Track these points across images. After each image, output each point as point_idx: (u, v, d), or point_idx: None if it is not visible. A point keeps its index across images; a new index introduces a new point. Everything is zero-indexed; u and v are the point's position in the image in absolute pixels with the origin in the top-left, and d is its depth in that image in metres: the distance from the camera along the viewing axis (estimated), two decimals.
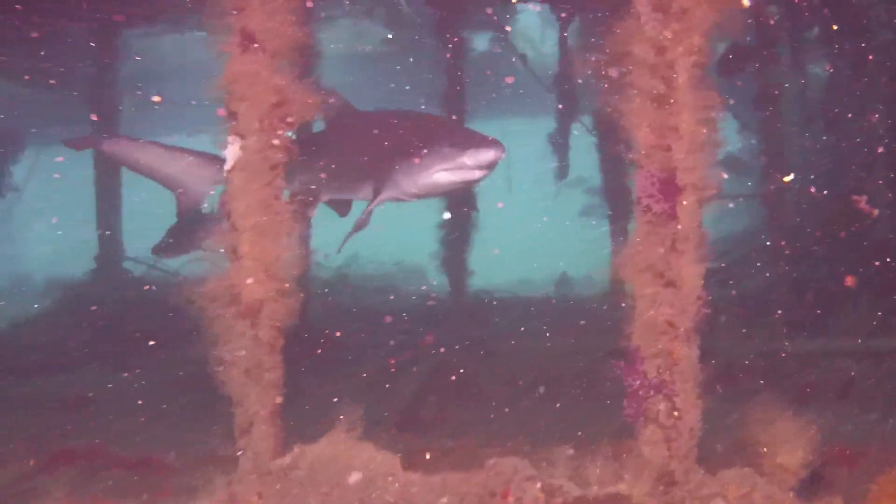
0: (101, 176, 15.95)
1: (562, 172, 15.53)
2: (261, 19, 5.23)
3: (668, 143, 4.99)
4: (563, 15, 14.79)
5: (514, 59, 17.45)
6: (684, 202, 5.00)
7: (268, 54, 5.22)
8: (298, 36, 5.36)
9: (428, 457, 5.78)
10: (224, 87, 5.29)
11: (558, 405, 8.35)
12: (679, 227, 5.02)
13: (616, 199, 12.02)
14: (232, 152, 5.30)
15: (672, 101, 4.99)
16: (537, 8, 18.97)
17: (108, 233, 15.98)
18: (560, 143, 15.20)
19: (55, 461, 6.88)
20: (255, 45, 5.21)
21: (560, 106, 14.74)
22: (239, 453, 5.34)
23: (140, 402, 8.61)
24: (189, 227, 15.95)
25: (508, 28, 19.44)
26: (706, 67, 5.05)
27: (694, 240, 5.06)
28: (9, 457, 6.71)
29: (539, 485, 5.17)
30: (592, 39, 13.55)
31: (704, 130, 5.03)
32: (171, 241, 15.37)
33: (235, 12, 5.24)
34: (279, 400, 5.40)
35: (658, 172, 5.01)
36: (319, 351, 9.58)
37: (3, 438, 6.87)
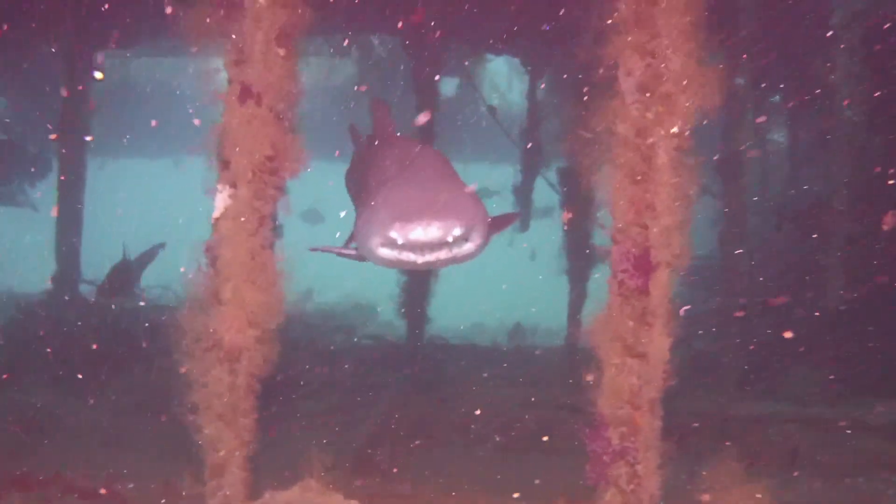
0: (64, 196, 15.89)
1: (523, 225, 15.74)
2: (260, 73, 5.39)
3: (644, 221, 5.20)
4: (532, 70, 15.05)
5: (482, 108, 17.66)
6: (657, 278, 5.22)
7: (265, 107, 5.37)
8: (294, 90, 5.54)
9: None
10: (219, 135, 5.43)
11: (513, 456, 8.49)
12: (650, 301, 5.22)
13: (575, 258, 12.24)
14: (221, 200, 5.43)
15: (651, 180, 5.20)
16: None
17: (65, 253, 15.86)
18: (523, 196, 15.41)
19: (9, 488, 6.90)
20: (253, 99, 5.35)
21: (525, 158, 14.96)
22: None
23: (101, 431, 8.63)
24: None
25: (473, 77, 19.64)
26: (685, 149, 5.28)
27: (664, 313, 5.27)
28: None
29: None
30: (562, 97, 13.82)
31: (680, 210, 5.26)
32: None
33: (236, 66, 5.39)
34: (252, 445, 5.51)
35: (633, 248, 5.22)
36: (285, 395, 9.64)
37: None
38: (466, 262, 6.04)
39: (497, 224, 6.76)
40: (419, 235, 5.48)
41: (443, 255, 5.67)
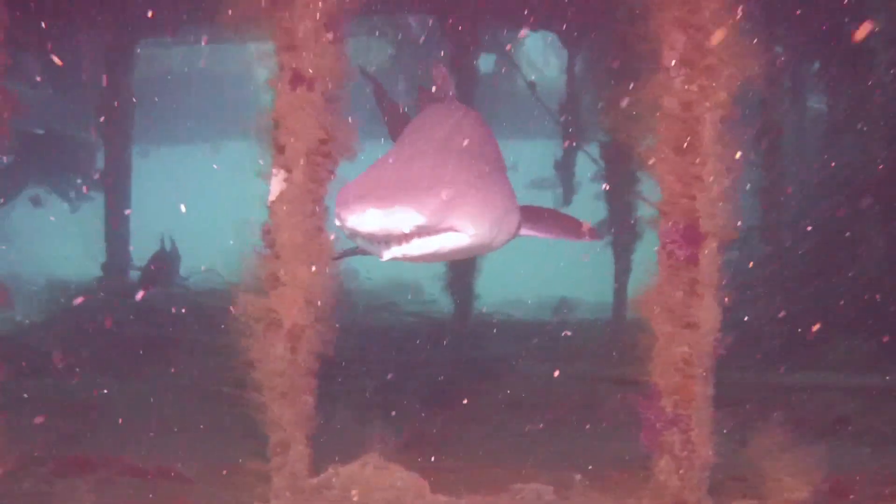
0: (111, 184, 16.15)
1: (566, 199, 15.79)
2: (311, 59, 5.51)
3: (692, 192, 5.29)
4: (571, 44, 15.03)
5: (521, 84, 17.68)
6: (705, 249, 5.31)
7: (316, 92, 5.50)
8: (344, 73, 5.67)
9: (453, 480, 6.03)
10: (273, 121, 5.57)
11: (562, 429, 8.59)
12: (700, 271, 5.32)
13: (620, 229, 12.30)
14: (277, 184, 5.57)
15: (697, 151, 5.29)
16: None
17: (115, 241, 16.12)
18: (564, 170, 15.46)
19: (72, 467, 7.08)
20: (305, 84, 5.48)
21: (566, 133, 14.98)
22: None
23: (162, 413, 8.82)
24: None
25: (510, 49, 19.64)
26: (730, 120, 5.36)
27: (713, 283, 5.36)
28: (28, 462, 6.89)
29: None
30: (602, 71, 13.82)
31: (727, 180, 5.34)
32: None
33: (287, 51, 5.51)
34: (314, 422, 5.68)
35: (682, 220, 5.31)
36: (339, 373, 9.79)
37: (20, 443, 7.03)
38: (473, 255, 5.78)
39: (550, 223, 6.25)
40: (357, 224, 4.65)
41: (413, 248, 4.81)
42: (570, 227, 6.45)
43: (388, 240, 4.77)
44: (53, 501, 6.30)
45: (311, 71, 5.48)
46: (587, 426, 8.51)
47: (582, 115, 15.06)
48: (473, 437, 8.23)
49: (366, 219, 4.60)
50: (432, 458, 6.83)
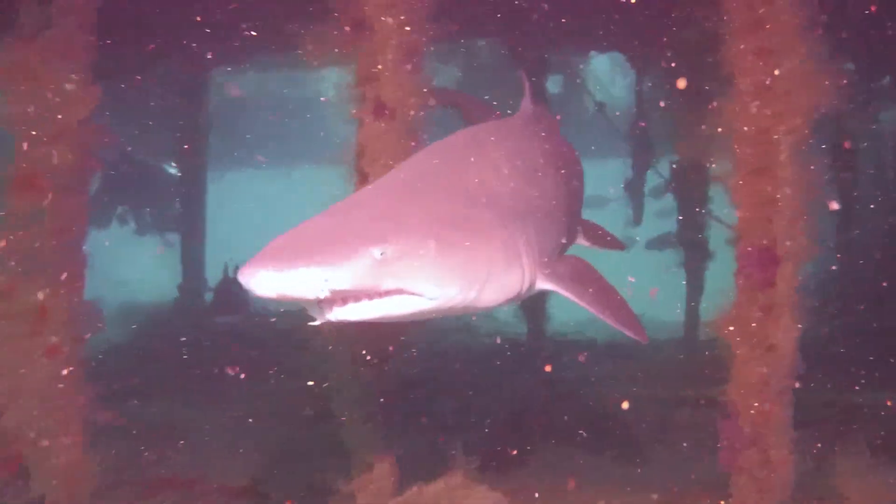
0: (187, 208, 16.54)
1: (636, 218, 15.77)
2: (393, 89, 5.70)
3: (768, 215, 5.36)
4: (640, 66, 15.06)
5: (588, 105, 17.76)
6: (783, 271, 5.37)
7: (398, 121, 5.68)
8: (423, 102, 5.84)
9: (537, 496, 6.14)
10: (357, 149, 5.75)
11: (638, 450, 8.62)
12: (777, 292, 5.38)
13: (692, 249, 12.30)
14: None
15: (773, 174, 5.36)
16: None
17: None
18: (634, 190, 15.47)
19: (157, 489, 7.30)
20: (387, 113, 5.66)
21: (636, 152, 15.01)
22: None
23: (241, 435, 9.03)
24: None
25: (581, 73, 19.73)
26: (805, 144, 5.43)
27: (791, 305, 5.42)
28: (115, 484, 7.11)
29: None
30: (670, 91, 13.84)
31: (803, 202, 5.41)
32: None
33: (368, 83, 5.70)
34: (396, 442, 5.83)
35: (759, 242, 5.38)
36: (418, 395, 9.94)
37: (107, 464, 7.26)
38: (455, 314, 4.66)
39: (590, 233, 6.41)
40: (252, 286, 3.91)
41: (354, 312, 4.11)
42: (604, 237, 6.71)
43: (325, 302, 4.04)
44: None
45: (392, 100, 5.65)
46: (663, 446, 8.53)
47: (651, 134, 15.08)
48: (551, 456, 8.31)
49: (259, 281, 3.85)
50: (513, 478, 6.93)
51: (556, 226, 5.68)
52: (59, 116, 6.22)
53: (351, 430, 5.90)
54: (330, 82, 6.38)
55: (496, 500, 5.63)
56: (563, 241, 5.94)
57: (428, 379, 10.99)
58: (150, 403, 10.46)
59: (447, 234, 4.41)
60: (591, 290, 5.19)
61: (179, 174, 17.20)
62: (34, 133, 6.24)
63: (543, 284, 5.00)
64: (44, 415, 6.25)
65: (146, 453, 8.37)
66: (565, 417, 9.71)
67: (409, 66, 5.77)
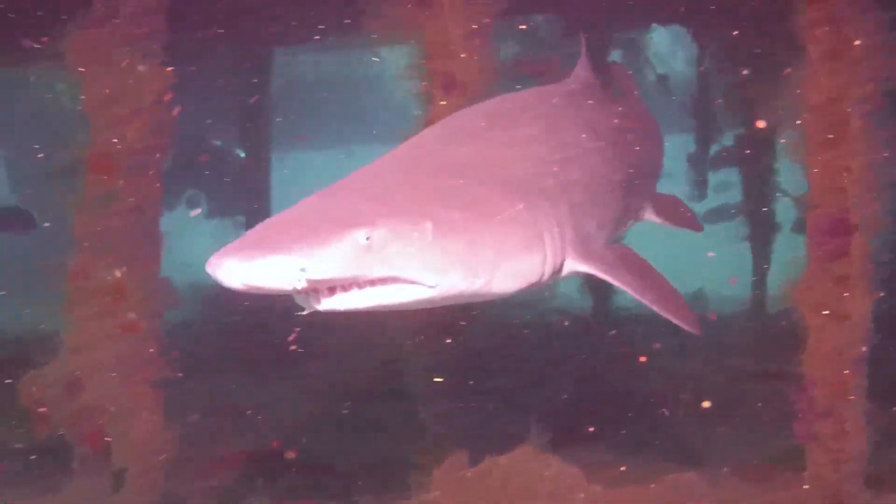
0: (251, 190, 16.70)
1: (701, 193, 15.64)
2: (462, 65, 5.73)
3: (841, 185, 5.32)
4: (703, 38, 14.90)
5: (650, 78, 17.63)
6: (855, 240, 5.33)
7: (468, 97, 5.71)
8: (492, 78, 5.87)
9: (623, 469, 6.17)
10: (426, 126, 5.79)
11: (708, 424, 8.59)
12: (851, 263, 5.35)
13: (758, 223, 12.19)
14: None
15: (846, 144, 5.32)
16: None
17: None
18: (699, 164, 15.31)
19: (229, 463, 7.45)
20: (457, 90, 5.70)
21: (699, 126, 14.85)
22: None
23: (314, 410, 9.14)
24: None
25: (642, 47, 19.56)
26: (878, 113, 5.38)
27: (864, 274, 5.38)
28: (187, 458, 7.26)
29: (717, 499, 5.56)
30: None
31: (875, 170, 5.36)
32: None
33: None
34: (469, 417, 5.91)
35: (832, 212, 5.35)
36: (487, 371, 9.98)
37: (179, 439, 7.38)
38: (465, 302, 4.30)
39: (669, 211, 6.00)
40: (220, 277, 3.56)
41: (343, 302, 3.79)
42: (681, 215, 6.30)
43: (313, 291, 3.74)
44: (212, 495, 6.68)
45: (463, 76, 5.69)
46: (734, 419, 8.49)
47: (715, 107, 14.93)
48: (621, 430, 8.31)
49: (226, 273, 3.51)
50: (586, 453, 6.94)
51: (604, 202, 5.15)
52: (133, 98, 6.34)
53: (425, 405, 5.97)
54: (391, 61, 6.44)
55: (569, 470, 5.67)
56: (617, 218, 5.40)
57: (497, 354, 11.03)
58: (222, 379, 10.62)
59: (447, 213, 4.01)
60: (635, 274, 4.69)
61: (244, 155, 17.35)
62: (108, 115, 6.37)
63: (578, 267, 4.52)
64: (123, 390, 6.40)
65: (220, 428, 8.51)
66: (631, 391, 9.72)
67: (477, 41, 5.81)
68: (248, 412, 9.39)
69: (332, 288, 3.74)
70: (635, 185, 5.79)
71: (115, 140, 6.31)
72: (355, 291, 3.77)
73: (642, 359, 9.89)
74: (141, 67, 6.37)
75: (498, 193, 4.30)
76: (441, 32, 5.76)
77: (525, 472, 5.76)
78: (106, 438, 6.49)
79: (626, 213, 5.67)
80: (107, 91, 6.34)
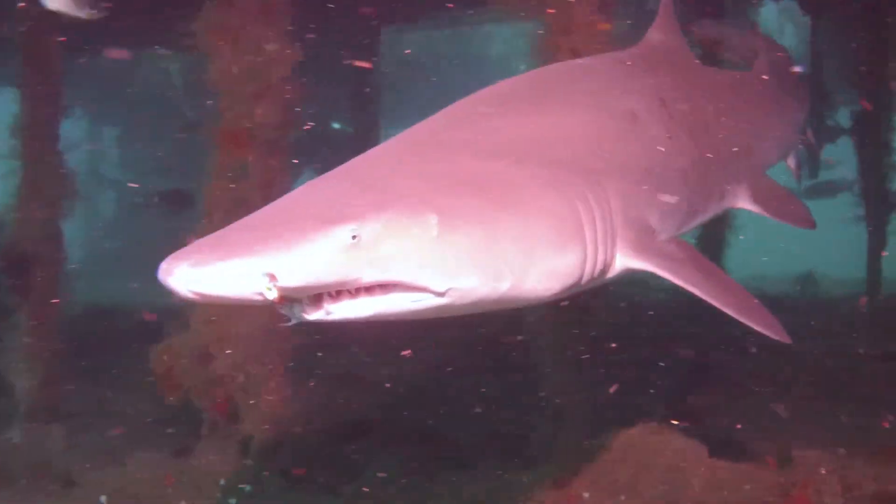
0: None
1: (812, 172, 15.32)
2: (584, 40, 5.75)
3: None
4: (814, 13, 14.61)
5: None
6: None
7: None
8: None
9: (727, 448, 6.16)
10: None
11: (821, 405, 8.49)
12: None
13: (874, 202, 11.90)
14: None
15: None
16: None
17: None
18: (812, 142, 14.96)
19: (346, 433, 7.60)
20: None
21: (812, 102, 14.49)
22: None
23: (429, 383, 9.25)
24: None
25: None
26: None
27: None
28: (314, 427, 7.44)
29: (837, 478, 5.52)
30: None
31: None
32: None
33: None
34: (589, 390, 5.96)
35: None
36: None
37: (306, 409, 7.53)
38: (497, 309, 3.61)
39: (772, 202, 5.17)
40: (170, 285, 2.97)
41: (339, 311, 3.17)
42: (793, 210, 5.45)
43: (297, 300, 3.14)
44: (334, 463, 6.86)
45: (587, 51, 5.71)
46: (850, 401, 8.39)
47: (826, 83, 14.64)
48: (738, 409, 8.26)
49: (176, 280, 2.93)
50: (704, 427, 6.93)
51: (672, 187, 4.43)
52: (261, 76, 6.52)
53: (547, 379, 6.05)
54: (499, 38, 6.47)
55: (690, 444, 5.69)
56: (692, 206, 4.70)
57: (619, 330, 11.01)
58: (339, 355, 10.82)
59: (458, 202, 3.36)
60: (703, 274, 4.01)
61: (353, 132, 17.56)
62: (239, 93, 6.56)
63: (632, 264, 3.92)
64: (251, 360, 6.61)
65: (344, 399, 8.69)
66: (746, 371, 9.64)
67: (602, 16, 5.83)
68: (371, 384, 9.55)
69: (318, 296, 3.13)
70: (723, 167, 5.10)
71: (244, 117, 6.49)
72: (347, 300, 3.17)
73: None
74: (269, 46, 6.54)
75: (527, 177, 3.66)
76: (566, 7, 5.78)
77: (644, 445, 5.80)
78: (232, 406, 6.73)
79: (706, 201, 4.95)
80: (235, 69, 6.52)
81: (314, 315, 3.15)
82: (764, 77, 6.26)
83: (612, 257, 3.86)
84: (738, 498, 5.56)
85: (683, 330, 11.56)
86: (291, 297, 3.07)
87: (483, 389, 8.83)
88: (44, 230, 8.40)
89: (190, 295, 2.96)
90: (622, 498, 5.65)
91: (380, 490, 6.54)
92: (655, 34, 5.52)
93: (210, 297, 2.96)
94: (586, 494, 5.73)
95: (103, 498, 6.99)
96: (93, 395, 9.63)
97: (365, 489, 6.54)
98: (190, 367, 6.70)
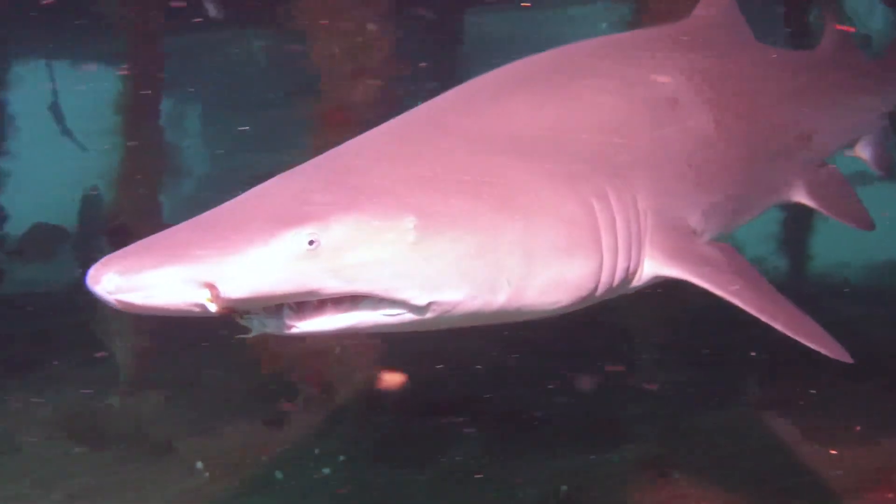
0: None
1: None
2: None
3: None
4: None
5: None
6: None
7: None
8: None
9: (858, 429, 6.18)
10: None
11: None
12: None
13: None
14: None
15: None
16: None
17: None
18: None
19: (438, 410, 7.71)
20: None
21: None
22: None
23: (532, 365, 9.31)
24: None
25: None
26: None
27: None
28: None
29: None
30: None
31: None
32: None
33: None
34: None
35: None
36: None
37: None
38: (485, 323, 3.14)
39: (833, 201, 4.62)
40: (97, 291, 2.59)
41: (290, 325, 2.77)
42: (851, 209, 4.95)
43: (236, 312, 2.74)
44: (422, 439, 7.01)
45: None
46: None
47: None
48: (829, 395, 8.19)
49: (103, 287, 2.56)
50: (795, 412, 6.92)
51: (715, 182, 3.95)
52: (361, 56, 6.64)
53: (635, 364, 6.13)
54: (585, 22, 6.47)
55: (786, 428, 5.72)
56: (739, 203, 4.24)
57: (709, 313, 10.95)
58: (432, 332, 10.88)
59: (445, 203, 2.91)
60: (745, 284, 3.46)
61: None
62: (337, 72, 6.69)
63: (664, 271, 3.45)
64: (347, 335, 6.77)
65: (429, 377, 8.81)
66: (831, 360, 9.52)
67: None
68: (460, 362, 9.64)
69: (280, 306, 2.75)
70: (780, 158, 4.63)
71: (345, 96, 6.62)
72: (312, 312, 2.79)
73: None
74: (370, 26, 6.65)
75: (534, 172, 3.17)
76: None
77: (735, 428, 5.85)
78: (327, 380, 6.89)
79: (758, 196, 4.52)
80: (336, 49, 6.65)
81: (274, 329, 2.78)
82: (830, 57, 5.62)
83: (639, 263, 3.42)
84: (829, 483, 5.58)
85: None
86: (240, 310, 2.71)
87: (572, 371, 8.88)
88: (144, 203, 8.65)
89: (118, 304, 2.58)
90: (712, 479, 5.69)
91: (465, 468, 6.63)
92: (706, 7, 4.82)
93: (140, 307, 2.59)
94: (677, 475, 5.78)
95: (199, 464, 7.20)
96: (190, 364, 9.89)
97: (451, 467, 6.65)
98: (286, 340, 6.83)
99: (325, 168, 3.13)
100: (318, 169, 3.14)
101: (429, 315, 2.85)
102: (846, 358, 3.40)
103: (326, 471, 6.67)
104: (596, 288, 3.20)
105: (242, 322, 2.77)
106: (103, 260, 2.62)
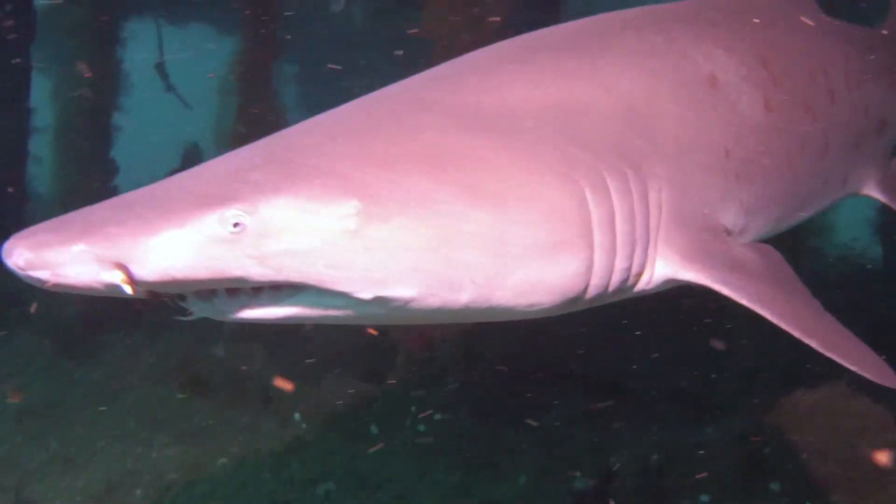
0: None
1: None
2: None
3: None
4: None
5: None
6: None
7: None
8: None
9: None
10: None
11: None
12: None
13: None
14: None
15: None
16: None
17: None
18: None
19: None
20: None
21: None
22: None
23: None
24: None
25: None
26: None
27: None
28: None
29: None
30: None
31: None
32: None
33: None
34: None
35: None
36: None
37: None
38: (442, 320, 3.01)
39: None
40: (12, 266, 2.46)
41: (224, 308, 2.62)
42: None
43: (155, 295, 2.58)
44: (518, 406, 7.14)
45: None
46: None
47: None
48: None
49: (14, 261, 2.43)
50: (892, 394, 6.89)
51: (756, 173, 3.48)
52: (477, 25, 6.75)
53: (738, 337, 6.18)
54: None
55: (881, 414, 5.73)
56: (787, 199, 3.78)
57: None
58: None
59: (399, 186, 2.60)
60: (779, 294, 3.06)
61: None
62: (451, 41, 6.81)
63: (679, 274, 3.05)
64: None
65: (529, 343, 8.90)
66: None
67: None
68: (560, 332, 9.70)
69: (213, 290, 2.58)
70: (846, 147, 4.15)
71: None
72: (243, 299, 2.60)
73: None
74: None
75: (517, 156, 2.80)
76: None
77: (831, 408, 5.86)
78: (431, 339, 7.05)
79: (818, 189, 4.04)
80: (453, 18, 6.77)
81: (210, 313, 2.65)
82: None
83: (648, 264, 3.05)
84: None
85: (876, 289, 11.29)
86: (166, 293, 2.57)
87: (669, 345, 8.91)
88: None
89: (28, 278, 2.46)
90: (804, 457, 5.73)
91: (559, 434, 6.74)
92: None
93: (52, 285, 2.45)
94: (767, 450, 5.84)
95: (297, 415, 7.44)
96: None
97: (547, 429, 6.74)
98: None
99: (274, 145, 2.85)
100: (266, 146, 2.86)
101: (380, 310, 2.62)
102: (891, 382, 3.01)
103: (422, 428, 6.84)
104: (585, 291, 2.86)
105: (180, 304, 2.62)
106: (19, 233, 2.48)
